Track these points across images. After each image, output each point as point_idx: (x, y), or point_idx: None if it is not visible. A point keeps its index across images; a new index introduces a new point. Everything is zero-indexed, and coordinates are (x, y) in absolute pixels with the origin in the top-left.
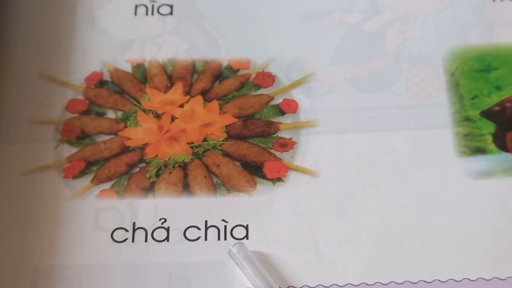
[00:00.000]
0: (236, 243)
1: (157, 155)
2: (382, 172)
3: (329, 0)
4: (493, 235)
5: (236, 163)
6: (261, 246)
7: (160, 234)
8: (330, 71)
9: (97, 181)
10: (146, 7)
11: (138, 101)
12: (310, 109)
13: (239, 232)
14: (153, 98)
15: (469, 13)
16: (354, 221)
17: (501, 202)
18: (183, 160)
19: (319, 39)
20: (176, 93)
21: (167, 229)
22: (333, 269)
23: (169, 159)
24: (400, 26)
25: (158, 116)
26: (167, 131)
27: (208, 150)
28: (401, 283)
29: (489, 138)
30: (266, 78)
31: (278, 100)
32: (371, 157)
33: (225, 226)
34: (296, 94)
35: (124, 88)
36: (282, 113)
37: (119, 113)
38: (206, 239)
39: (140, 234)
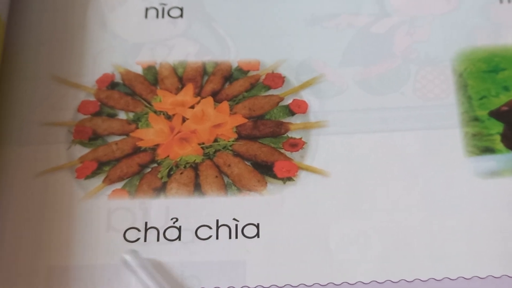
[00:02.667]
0: (129, 251)
1: (168, 156)
2: (391, 172)
3: (337, 3)
4: (502, 234)
5: (246, 163)
6: (272, 245)
7: (172, 233)
8: (339, 73)
9: (109, 181)
10: (157, 10)
11: (149, 103)
12: (319, 110)
13: (250, 231)
14: (164, 100)
15: (477, 14)
16: (364, 220)
17: (510, 201)
18: (194, 160)
19: (328, 41)
20: (187, 94)
21: (179, 229)
22: (344, 268)
23: (180, 160)
24: (408, 29)
25: (169, 118)
26: (178, 132)
27: (219, 150)
28: (411, 281)
29: (498, 137)
30: (276, 79)
31: (288, 101)
32: (380, 157)
33: (236, 225)
34: (305, 95)
35: (135, 90)
36: (292, 113)
37: (131, 115)
38: (217, 238)
39: (152, 234)
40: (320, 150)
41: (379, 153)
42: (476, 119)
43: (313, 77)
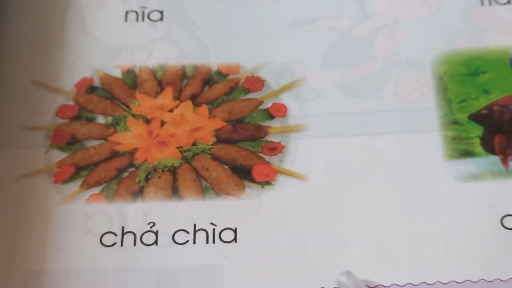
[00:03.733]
0: (343, 272)
1: (146, 160)
2: (371, 175)
3: (318, 6)
4: (480, 238)
5: (225, 166)
6: (249, 249)
7: (149, 238)
8: (319, 76)
9: (86, 186)
10: (137, 13)
11: (128, 107)
12: (299, 113)
13: (228, 235)
14: (143, 104)
15: (458, 18)
16: (343, 225)
17: (488, 205)
18: (172, 164)
19: (308, 44)
20: (166, 98)
21: (156, 233)
22: (322, 272)
23: (158, 164)
24: (389, 32)
25: (148, 121)
26: (157, 135)
27: (198, 154)
28: (388, 286)
29: (477, 141)
30: (256, 83)
31: (267, 105)
32: (360, 161)
33: (214, 229)
34: (285, 99)
35: (114, 94)
36: (271, 117)
37: (109, 119)
38: (194, 243)
39: (129, 238)
40: (299, 154)
41: (359, 156)
42: (455, 122)
43: (293, 81)
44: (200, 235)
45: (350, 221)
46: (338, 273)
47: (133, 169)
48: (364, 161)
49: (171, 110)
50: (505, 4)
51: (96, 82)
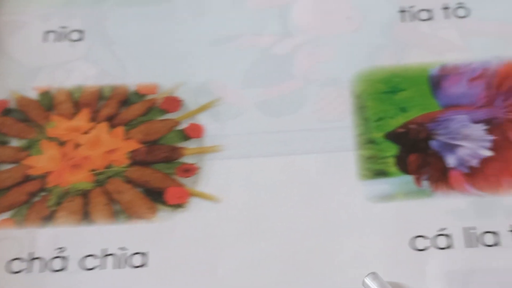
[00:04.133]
0: (369, 274)
1: (58, 184)
2: (287, 196)
3: (240, 23)
4: (390, 259)
5: (138, 189)
6: (160, 273)
7: (58, 263)
8: (239, 94)
9: None
10: (57, 33)
11: (43, 129)
12: (216, 133)
13: (138, 260)
14: (58, 125)
15: (379, 34)
16: (256, 247)
17: (401, 225)
18: (85, 188)
19: (229, 62)
20: (82, 119)
21: (65, 258)
22: None
23: (70, 187)
24: (311, 49)
25: (62, 144)
26: (71, 158)
27: (111, 176)
28: None
29: (392, 160)
30: (173, 103)
31: (184, 125)
32: (275, 181)
33: (124, 254)
34: (202, 119)
35: (29, 116)
36: (187, 138)
37: (23, 142)
38: (104, 268)
39: (37, 264)
40: (213, 175)
41: (275, 177)
42: (372, 141)
43: (211, 100)
44: (110, 260)
45: (263, 243)
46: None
47: (45, 193)
48: (280, 181)
49: (87, 132)
50: (426, 20)
51: (12, 104)
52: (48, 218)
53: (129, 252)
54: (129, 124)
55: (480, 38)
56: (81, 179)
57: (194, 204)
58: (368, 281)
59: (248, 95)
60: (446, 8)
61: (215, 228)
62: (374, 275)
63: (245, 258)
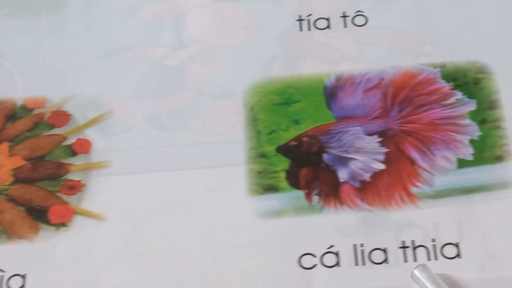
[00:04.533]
0: (419, 265)
1: None
2: (173, 213)
3: (133, 35)
4: (277, 278)
5: (20, 208)
6: None
7: None
8: (129, 108)
9: None
10: None
11: None
12: (104, 149)
13: (16, 282)
14: None
15: (275, 44)
16: (138, 268)
17: (289, 243)
18: None
19: (120, 75)
20: None
21: None
22: None
23: None
24: (204, 60)
25: None
26: None
27: None
28: None
29: (282, 175)
30: (61, 117)
31: (71, 140)
32: (162, 198)
33: (2, 277)
34: (90, 134)
35: None
36: (74, 153)
37: None
38: None
39: None
40: (99, 192)
41: (162, 194)
42: (263, 155)
43: (100, 114)
44: None
45: (147, 263)
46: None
47: None
48: (166, 198)
49: None
50: (324, 29)
51: None
52: None
53: (7, 274)
54: (14, 140)
55: (376, 47)
56: None
57: (78, 222)
58: (417, 273)
59: (138, 109)
60: (344, 16)
61: (97, 247)
62: (423, 266)
63: (125, 280)
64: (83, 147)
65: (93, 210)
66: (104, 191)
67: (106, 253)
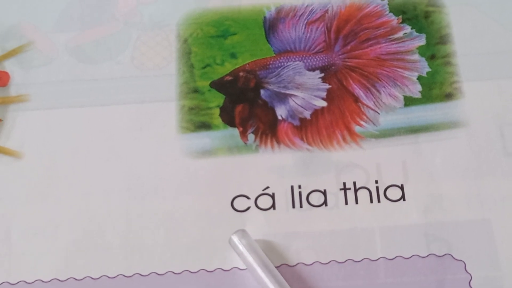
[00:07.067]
0: (238, 230)
1: None
2: (95, 152)
3: None
4: (209, 219)
5: None
6: None
7: None
8: (51, 39)
9: None
10: None
11: None
12: (23, 82)
13: None
14: None
15: None
16: (55, 208)
17: (220, 184)
18: None
19: (42, 2)
20: None
21: None
22: (24, 264)
23: None
24: None
25: None
26: None
27: None
28: (98, 278)
29: (216, 111)
30: None
31: None
32: (84, 136)
33: None
34: (9, 66)
35: None
36: None
37: None
38: None
39: None
40: (16, 128)
41: (83, 130)
42: (196, 90)
43: (20, 45)
44: None
45: (64, 204)
46: (232, 233)
47: None
48: (89, 135)
49: None
50: None
51: None
52: None
53: None
54: None
55: None
56: None
57: None
58: (235, 239)
59: (60, 39)
60: None
61: (12, 187)
62: (242, 232)
63: (42, 222)
64: (1, 79)
65: (9, 147)
66: (22, 127)
67: (19, 194)
